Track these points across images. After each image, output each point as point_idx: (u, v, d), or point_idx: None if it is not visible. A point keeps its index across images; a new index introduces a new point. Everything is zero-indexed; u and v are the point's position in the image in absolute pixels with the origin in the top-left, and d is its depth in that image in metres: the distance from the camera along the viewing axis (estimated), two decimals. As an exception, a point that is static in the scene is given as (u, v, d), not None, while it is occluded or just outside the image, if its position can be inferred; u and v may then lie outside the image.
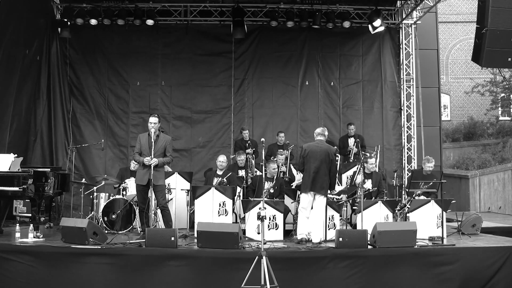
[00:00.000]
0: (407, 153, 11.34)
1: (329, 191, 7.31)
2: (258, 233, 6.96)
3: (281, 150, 9.58)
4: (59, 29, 10.70)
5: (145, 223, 7.19)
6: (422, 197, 8.01)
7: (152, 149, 6.99)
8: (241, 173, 8.99)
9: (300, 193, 7.26)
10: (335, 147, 9.85)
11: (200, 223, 6.72)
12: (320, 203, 7.07)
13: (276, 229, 7.36)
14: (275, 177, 8.18)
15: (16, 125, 9.52)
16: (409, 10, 10.91)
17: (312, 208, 7.06)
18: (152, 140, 7.02)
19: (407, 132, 11.41)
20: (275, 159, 8.98)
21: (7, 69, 8.98)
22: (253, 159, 9.44)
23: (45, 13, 10.59)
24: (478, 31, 7.60)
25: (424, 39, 11.72)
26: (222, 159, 8.35)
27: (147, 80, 11.15)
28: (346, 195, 8.13)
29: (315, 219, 7.03)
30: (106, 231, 7.44)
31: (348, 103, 11.42)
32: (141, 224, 7.51)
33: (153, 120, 7.13)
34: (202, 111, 11.17)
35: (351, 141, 10.33)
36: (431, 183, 7.67)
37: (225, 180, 8.02)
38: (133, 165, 8.81)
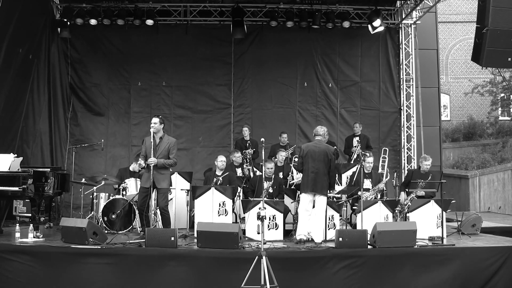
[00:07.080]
0: (407, 153, 11.34)
1: (329, 191, 7.31)
2: (258, 233, 6.95)
3: (283, 149, 9.57)
4: (58, 29, 10.70)
5: (145, 224, 7.14)
6: (422, 192, 8.10)
7: (152, 150, 6.95)
8: (239, 172, 8.95)
9: (300, 194, 7.26)
10: (335, 147, 9.86)
11: (200, 223, 6.71)
12: (321, 203, 7.07)
13: (276, 229, 7.35)
14: (273, 177, 8.17)
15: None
16: (409, 10, 10.92)
17: (313, 208, 7.07)
18: (151, 140, 7.00)
19: (406, 132, 11.41)
20: (276, 158, 8.97)
21: (7, 69, 8.98)
22: (252, 159, 9.41)
23: (45, 13, 10.57)
24: (478, 31, 7.57)
25: (424, 39, 11.73)
26: (221, 159, 8.33)
27: (148, 80, 11.19)
28: (346, 195, 8.12)
29: (316, 219, 7.04)
30: (106, 231, 7.42)
31: (346, 104, 11.43)
32: (141, 225, 7.50)
33: (153, 120, 7.11)
34: (202, 111, 11.21)
35: (355, 140, 10.28)
36: (429, 177, 7.78)
37: (221, 179, 8.01)
38: (132, 167, 8.79)
